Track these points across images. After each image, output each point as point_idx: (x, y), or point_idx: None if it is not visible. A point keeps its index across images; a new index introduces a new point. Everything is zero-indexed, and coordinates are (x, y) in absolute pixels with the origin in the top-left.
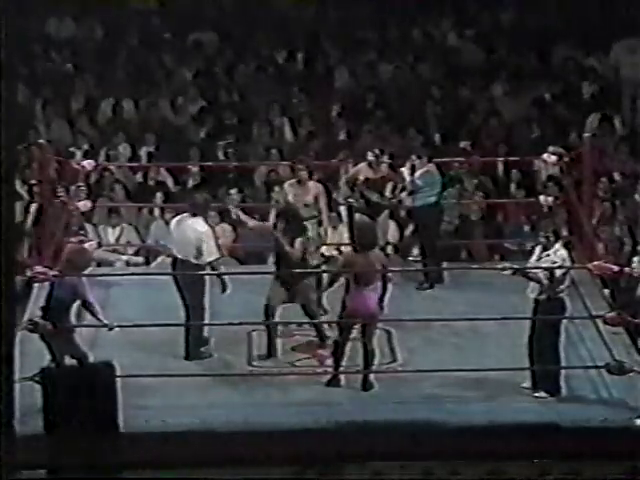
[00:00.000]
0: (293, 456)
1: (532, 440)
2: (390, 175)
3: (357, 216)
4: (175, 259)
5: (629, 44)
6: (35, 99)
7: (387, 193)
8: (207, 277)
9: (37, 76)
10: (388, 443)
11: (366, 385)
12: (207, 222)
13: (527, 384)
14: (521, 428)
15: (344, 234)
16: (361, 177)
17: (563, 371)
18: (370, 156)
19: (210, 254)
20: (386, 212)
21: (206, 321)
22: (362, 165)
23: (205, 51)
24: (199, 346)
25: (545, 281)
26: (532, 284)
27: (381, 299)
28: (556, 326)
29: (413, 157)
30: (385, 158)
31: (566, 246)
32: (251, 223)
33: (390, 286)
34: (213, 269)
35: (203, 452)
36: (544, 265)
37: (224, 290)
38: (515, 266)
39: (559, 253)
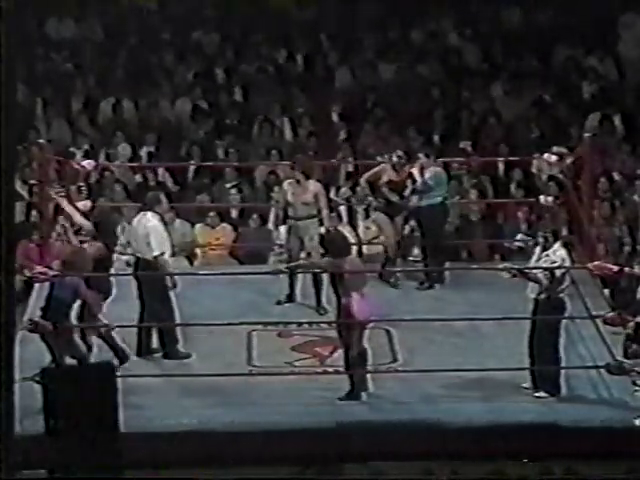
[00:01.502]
0: (293, 456)
1: (532, 440)
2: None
3: (377, 216)
4: (137, 258)
5: (629, 19)
6: (35, 99)
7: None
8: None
9: (37, 76)
10: (388, 443)
11: (352, 386)
12: (161, 218)
13: (527, 384)
14: (521, 428)
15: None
16: (384, 178)
17: (563, 371)
18: (394, 157)
19: (155, 248)
20: (403, 214)
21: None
22: (386, 166)
23: (205, 51)
24: (176, 345)
25: (545, 281)
26: (532, 284)
27: None
28: (556, 326)
29: (420, 155)
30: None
31: (565, 246)
32: (76, 218)
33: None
34: (159, 263)
35: (203, 452)
36: (544, 265)
37: (174, 286)
38: (515, 266)
39: (558, 253)
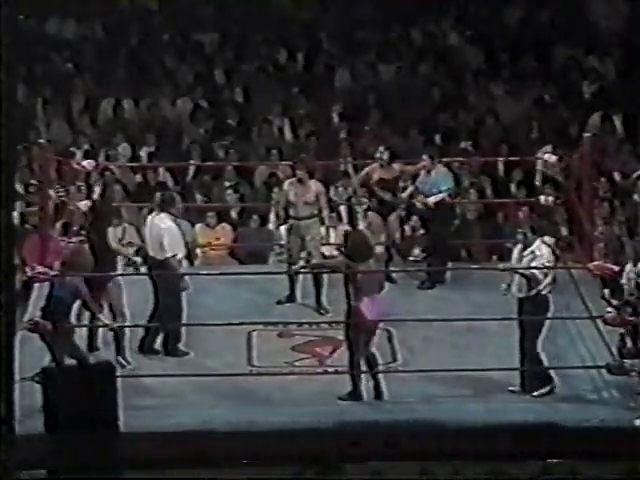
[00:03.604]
0: (293, 456)
1: (532, 440)
2: (403, 174)
3: (371, 216)
4: (150, 257)
5: None
6: (35, 99)
7: (403, 193)
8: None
9: (37, 76)
10: (388, 443)
11: (379, 393)
12: (176, 219)
13: (514, 388)
14: (521, 428)
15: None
16: (375, 177)
17: (563, 371)
18: (379, 155)
19: (168, 250)
20: (397, 212)
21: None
22: (375, 165)
23: (205, 51)
24: (177, 344)
25: (542, 277)
26: (517, 283)
27: None
28: (540, 324)
29: (424, 157)
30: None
31: (545, 243)
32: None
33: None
34: (170, 264)
35: (203, 452)
36: (541, 265)
37: (185, 289)
38: (515, 267)
39: (544, 250)
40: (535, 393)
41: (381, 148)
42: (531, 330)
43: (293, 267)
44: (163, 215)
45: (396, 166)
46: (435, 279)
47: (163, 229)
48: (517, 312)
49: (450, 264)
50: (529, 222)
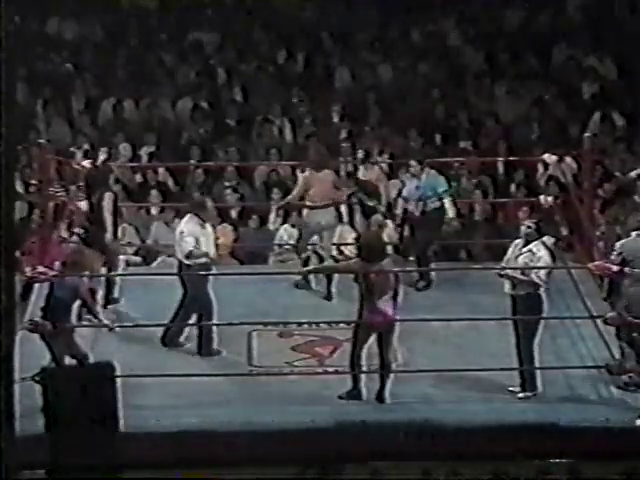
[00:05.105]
0: (293, 456)
1: (532, 440)
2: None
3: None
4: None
5: None
6: (35, 99)
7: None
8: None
9: (37, 76)
10: (388, 443)
11: (381, 397)
12: (202, 222)
13: (514, 388)
14: (521, 428)
15: (345, 234)
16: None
17: (562, 371)
18: (360, 156)
19: (178, 252)
20: (378, 213)
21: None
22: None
23: (205, 51)
24: (210, 343)
25: (544, 277)
26: (510, 281)
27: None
28: (535, 324)
29: (412, 162)
30: (385, 158)
31: (544, 244)
32: None
33: (401, 292)
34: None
35: (203, 452)
36: (540, 265)
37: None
38: (514, 267)
39: (541, 251)
40: (521, 395)
41: (360, 151)
42: (526, 330)
43: (301, 269)
44: (185, 219)
45: (376, 169)
46: (419, 280)
47: (177, 232)
48: (511, 311)
49: (447, 264)
50: (534, 220)
